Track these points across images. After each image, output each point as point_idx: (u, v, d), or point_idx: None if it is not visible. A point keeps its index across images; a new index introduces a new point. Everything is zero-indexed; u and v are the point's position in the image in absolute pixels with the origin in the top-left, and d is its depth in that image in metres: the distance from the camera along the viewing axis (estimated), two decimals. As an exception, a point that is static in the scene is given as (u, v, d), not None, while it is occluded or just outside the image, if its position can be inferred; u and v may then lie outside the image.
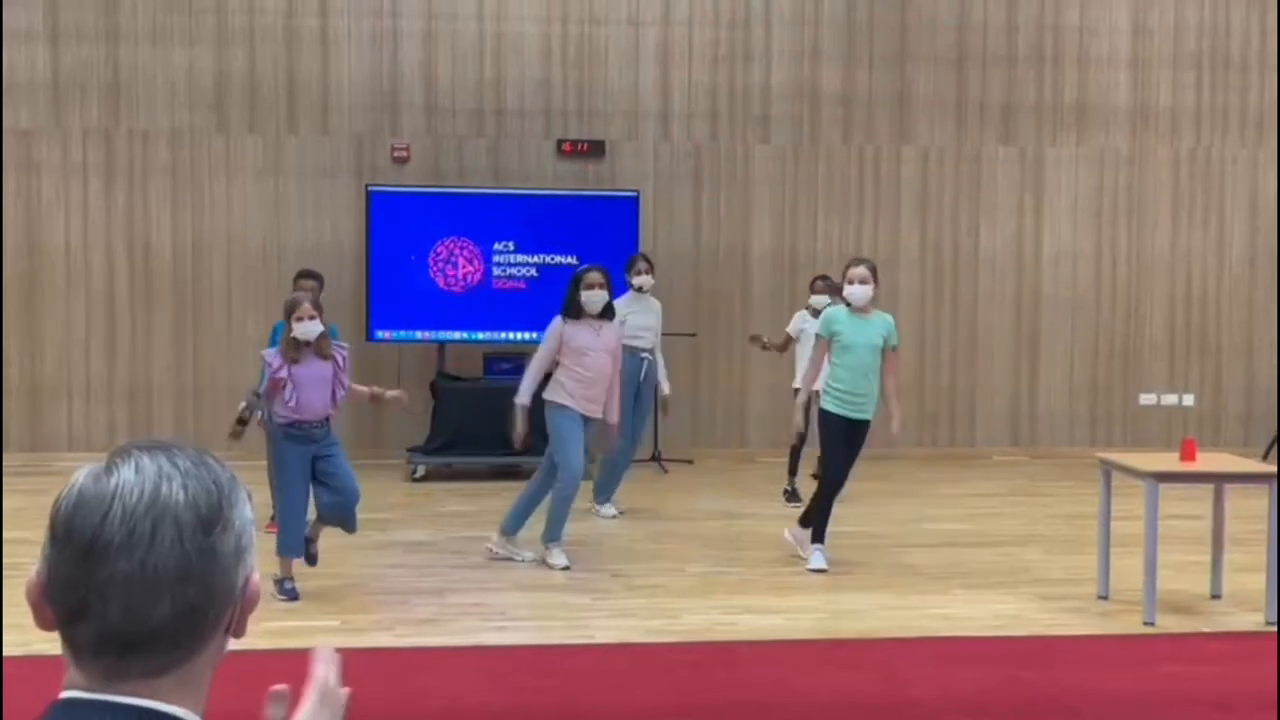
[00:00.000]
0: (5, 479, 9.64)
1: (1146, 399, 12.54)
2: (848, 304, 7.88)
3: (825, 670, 6.09)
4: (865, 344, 7.76)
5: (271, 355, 6.97)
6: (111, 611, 1.28)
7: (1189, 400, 12.57)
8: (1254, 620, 6.87)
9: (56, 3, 11.36)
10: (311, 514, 7.12)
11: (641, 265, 9.71)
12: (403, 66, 11.70)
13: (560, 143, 11.82)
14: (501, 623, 6.79)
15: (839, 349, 7.78)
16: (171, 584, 1.29)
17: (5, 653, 5.31)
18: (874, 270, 7.89)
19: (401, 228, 11.12)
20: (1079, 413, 12.52)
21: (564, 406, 7.90)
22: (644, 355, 9.54)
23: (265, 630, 5.99)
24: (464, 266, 11.22)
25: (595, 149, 11.83)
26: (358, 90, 11.67)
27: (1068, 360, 12.50)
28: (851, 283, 7.82)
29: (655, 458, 11.34)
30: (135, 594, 1.28)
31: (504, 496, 10.02)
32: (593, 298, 7.93)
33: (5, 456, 10.79)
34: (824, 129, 12.12)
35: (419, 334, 11.19)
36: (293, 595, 6.99)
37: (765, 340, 10.31)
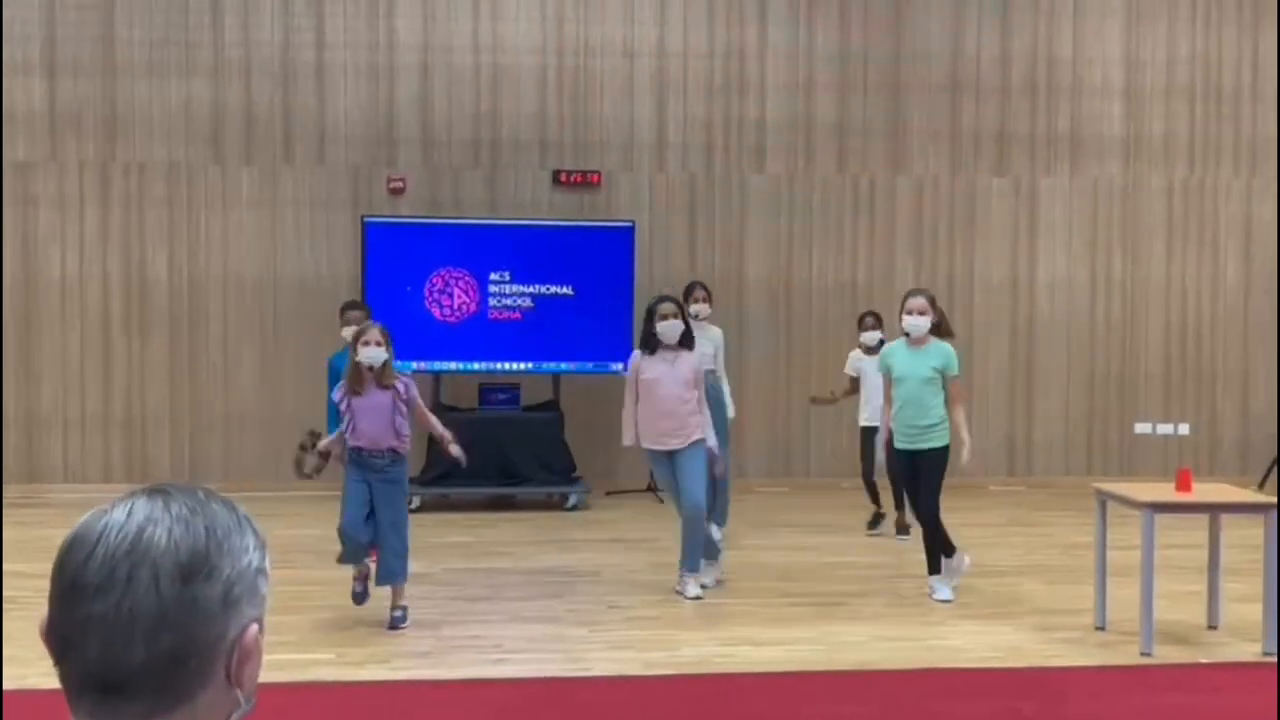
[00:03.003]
0: (3, 510, 9.60)
1: (1142, 428, 12.54)
2: (906, 335, 7.84)
3: (824, 702, 6.06)
4: (916, 376, 7.72)
5: (336, 391, 7.24)
6: (89, 652, 1.28)
7: (1184, 429, 12.57)
8: (1252, 650, 6.85)
9: (54, 36, 11.40)
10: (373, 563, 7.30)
11: (698, 293, 9.55)
12: (399, 99, 11.73)
13: (556, 174, 11.85)
14: (498, 655, 6.76)
15: (894, 383, 7.80)
16: (146, 629, 1.27)
17: (5, 686, 5.28)
18: (933, 300, 7.85)
19: (397, 259, 11.14)
20: (1075, 442, 12.52)
21: (646, 450, 7.93)
22: None
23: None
24: (460, 297, 11.23)
25: (591, 180, 11.86)
26: (354, 122, 11.70)
27: (1063, 390, 12.51)
28: (910, 313, 7.77)
29: (650, 488, 11.31)
30: (110, 636, 1.27)
31: (500, 527, 10.02)
32: (668, 328, 7.83)
33: (3, 488, 10.77)
34: (818, 159, 12.16)
35: (415, 364, 11.15)
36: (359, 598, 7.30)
37: (831, 393, 10.27)
